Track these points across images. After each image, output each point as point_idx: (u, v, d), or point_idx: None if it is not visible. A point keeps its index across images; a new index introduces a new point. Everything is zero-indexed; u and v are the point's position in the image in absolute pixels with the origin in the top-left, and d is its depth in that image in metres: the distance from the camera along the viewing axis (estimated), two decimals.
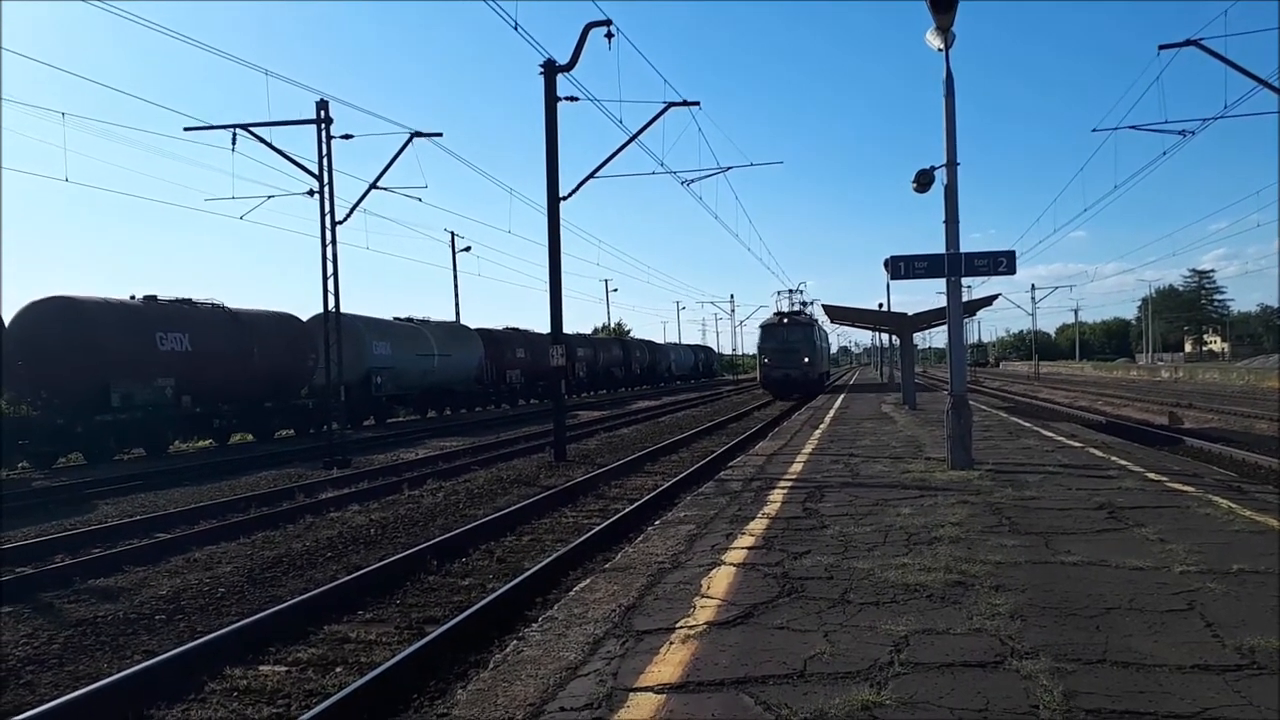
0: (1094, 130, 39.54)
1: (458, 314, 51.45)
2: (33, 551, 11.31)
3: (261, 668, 6.77)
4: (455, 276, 53.60)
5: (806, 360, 44.14)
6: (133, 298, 24.56)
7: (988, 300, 31.75)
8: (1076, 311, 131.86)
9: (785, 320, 46.14)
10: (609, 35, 18.89)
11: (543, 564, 9.61)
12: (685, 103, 21.65)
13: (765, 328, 46.15)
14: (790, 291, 58.40)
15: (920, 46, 12.51)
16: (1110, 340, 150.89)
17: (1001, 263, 12.70)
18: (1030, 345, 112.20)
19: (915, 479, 11.65)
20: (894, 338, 45.67)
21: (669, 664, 4.77)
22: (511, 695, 4.48)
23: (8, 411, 19.87)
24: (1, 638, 7.64)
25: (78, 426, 21.34)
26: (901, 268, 12.97)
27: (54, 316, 21.66)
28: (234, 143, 22.47)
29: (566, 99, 20.26)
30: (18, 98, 71.02)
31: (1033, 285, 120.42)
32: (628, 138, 21.62)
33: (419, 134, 24.38)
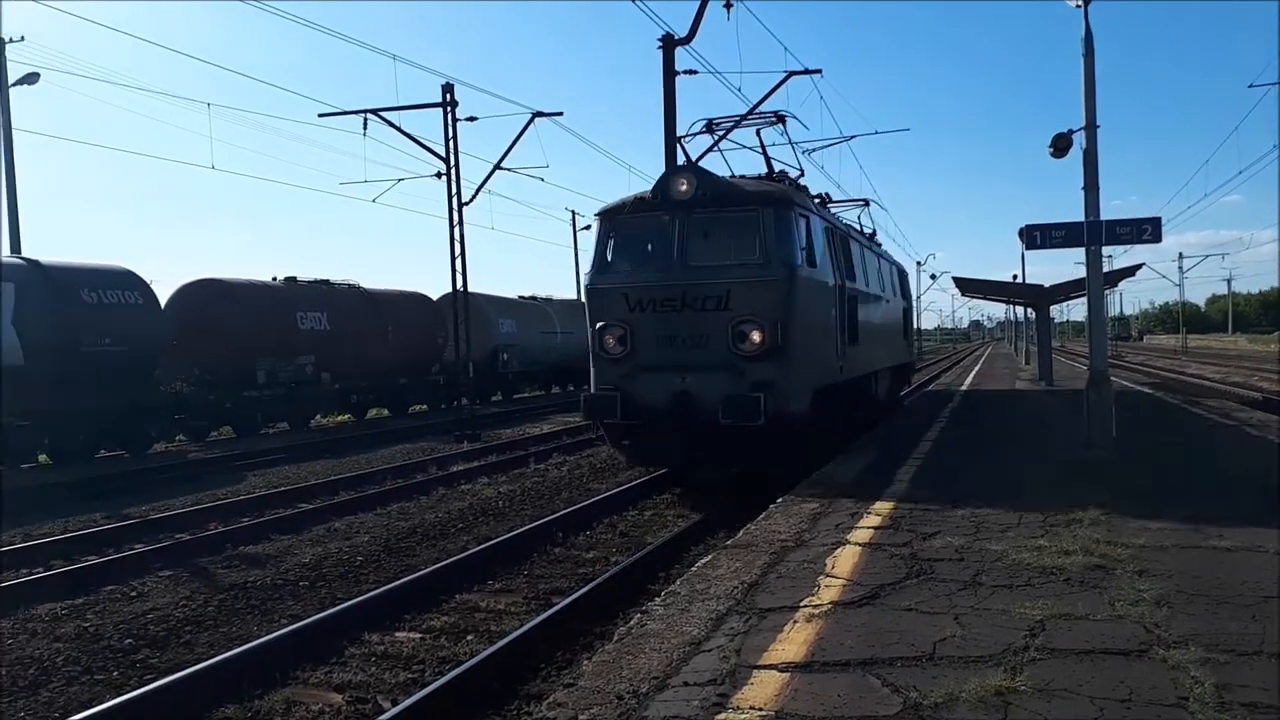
0: (1250, 86, 36.94)
1: (579, 292, 52.18)
2: (189, 519, 12.06)
3: (397, 634, 7.05)
4: (576, 255, 54.38)
5: (764, 340, 11.09)
6: (275, 279, 25.78)
7: (1130, 270, 30.14)
8: (1229, 281, 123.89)
9: (689, 184, 11.89)
10: (728, 5, 18.66)
11: (665, 538, 9.68)
12: (806, 71, 21.16)
13: (612, 219, 12.61)
14: (743, 120, 15.86)
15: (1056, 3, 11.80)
16: (1267, 312, 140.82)
17: (1146, 230, 12.00)
18: (1177, 317, 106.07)
19: (1053, 458, 11.19)
20: (1029, 311, 43.55)
21: (793, 642, 4.73)
22: (636, 668, 4.53)
23: (163, 388, 21.19)
24: (163, 599, 8.19)
25: (227, 402, 22.61)
26: (1037, 237, 12.40)
27: (204, 298, 22.96)
28: (365, 127, 23.24)
29: (685, 73, 20.12)
30: (170, 90, 75.37)
31: (1180, 254, 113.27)
32: (747, 108, 21.35)
33: (540, 114, 24.69)
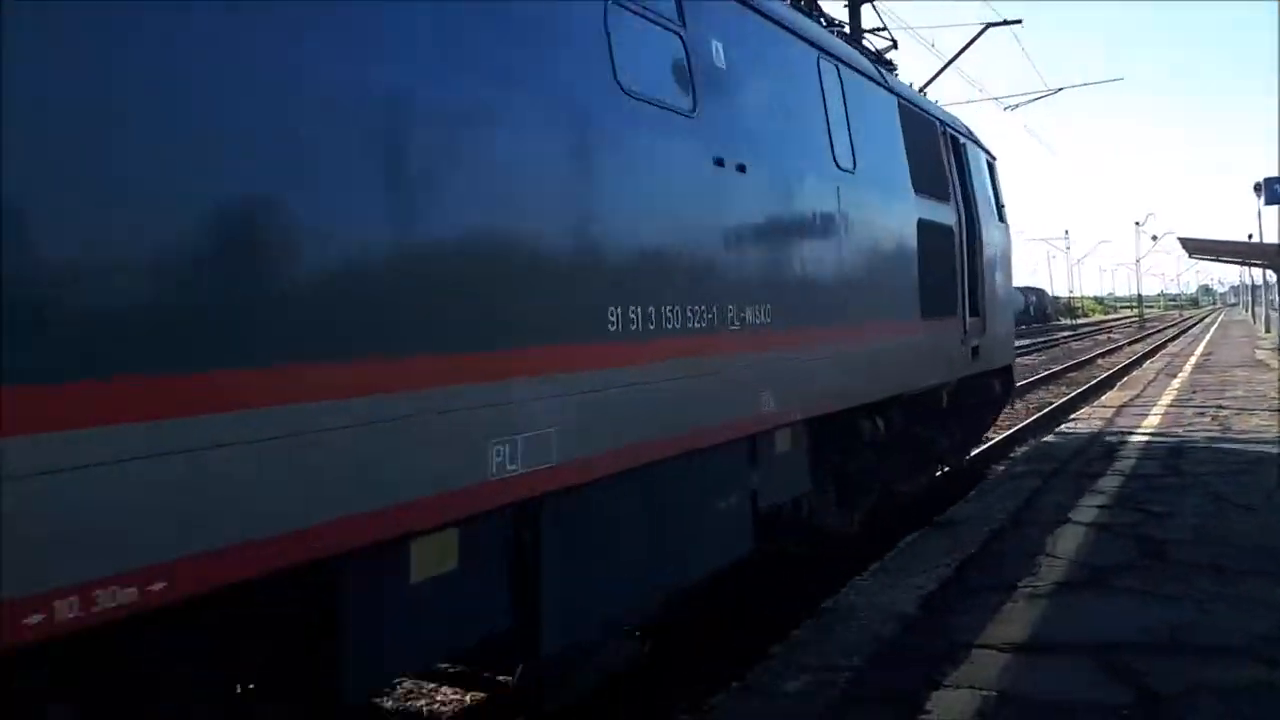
0: None
1: None
2: None
3: None
4: None
5: None
6: None
7: None
8: None
9: None
10: None
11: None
12: (1005, 22, 20.01)
13: None
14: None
15: None
16: None
17: None
18: None
19: None
20: (1267, 273, 39.22)
21: (1012, 623, 4.52)
22: (844, 643, 4.45)
23: None
24: None
25: None
26: (1278, 190, 11.26)
27: None
28: None
29: (873, 31, 19.45)
30: None
31: None
32: (942, 65, 20.41)
33: None
